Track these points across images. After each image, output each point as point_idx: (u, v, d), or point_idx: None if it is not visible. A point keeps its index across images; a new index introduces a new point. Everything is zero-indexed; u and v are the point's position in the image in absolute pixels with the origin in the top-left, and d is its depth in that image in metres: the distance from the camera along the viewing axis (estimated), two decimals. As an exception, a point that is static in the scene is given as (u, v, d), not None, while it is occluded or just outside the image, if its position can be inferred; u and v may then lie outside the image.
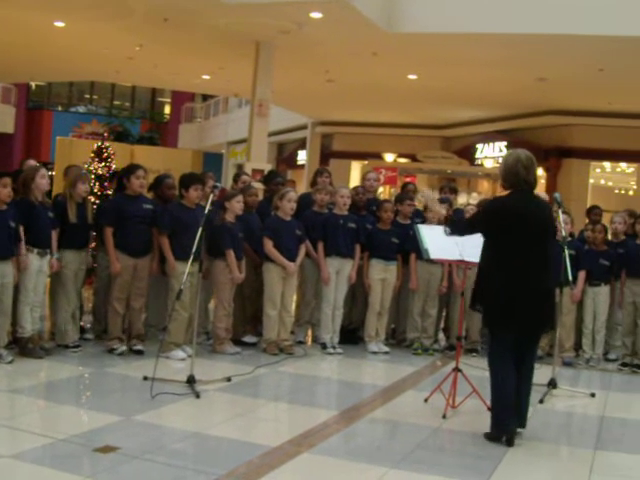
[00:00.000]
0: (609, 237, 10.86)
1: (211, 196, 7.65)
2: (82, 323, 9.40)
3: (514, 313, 6.35)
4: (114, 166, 14.11)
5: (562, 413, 7.99)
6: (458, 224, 6.96)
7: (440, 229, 7.17)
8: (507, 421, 6.34)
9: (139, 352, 8.73)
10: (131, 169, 9.01)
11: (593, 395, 8.42)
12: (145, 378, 7.37)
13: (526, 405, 6.56)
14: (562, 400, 8.23)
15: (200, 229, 7.38)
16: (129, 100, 44.82)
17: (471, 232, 6.87)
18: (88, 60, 19.62)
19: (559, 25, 13.44)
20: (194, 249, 7.35)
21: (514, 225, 6.40)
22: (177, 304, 8.25)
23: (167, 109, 45.08)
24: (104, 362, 8.40)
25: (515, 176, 6.52)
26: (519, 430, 6.51)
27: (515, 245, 6.40)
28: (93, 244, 9.57)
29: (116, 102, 44.35)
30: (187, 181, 9.00)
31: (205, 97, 39.36)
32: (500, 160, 7.24)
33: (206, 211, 7.48)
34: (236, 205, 9.25)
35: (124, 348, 8.74)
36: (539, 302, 6.42)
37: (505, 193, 6.69)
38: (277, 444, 5.94)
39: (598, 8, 13.21)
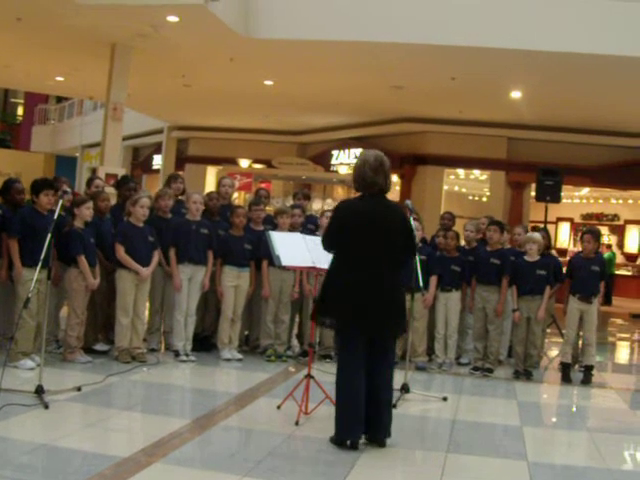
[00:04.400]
0: (462, 243, 11.09)
1: (60, 202, 7.49)
2: None
3: (358, 314, 6.40)
4: (-39, 169, 13.69)
5: (415, 417, 8.11)
6: (323, 243, 6.93)
7: (292, 235, 7.17)
8: (354, 425, 6.42)
9: (-14, 362, 8.47)
10: (-22, 172, 8.73)
11: (445, 399, 8.60)
12: (-9, 389, 7.17)
13: (389, 414, 6.64)
14: (415, 404, 8.37)
15: (49, 235, 7.21)
16: (-20, 101, 43.65)
17: (330, 244, 6.78)
18: (-64, 58, 19.00)
19: (413, 35, 13.73)
20: (43, 255, 7.17)
21: (361, 227, 6.47)
22: (24, 312, 8.01)
23: (20, 110, 44.05)
24: (-52, 372, 8.12)
25: (363, 179, 6.59)
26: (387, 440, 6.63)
27: (362, 247, 6.45)
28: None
29: (-34, 102, 43.12)
30: (37, 187, 8.74)
31: (60, 99, 38.53)
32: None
33: (55, 217, 7.32)
34: (85, 212, 9.04)
35: (-29, 358, 8.46)
36: (386, 304, 6.48)
37: (355, 196, 6.78)
38: (129, 454, 5.85)
39: (451, 20, 13.57)
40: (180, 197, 10.67)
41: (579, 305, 10.23)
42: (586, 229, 10.77)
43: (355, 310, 6.42)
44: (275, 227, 10.16)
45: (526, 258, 10.36)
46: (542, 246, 10.50)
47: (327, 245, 6.82)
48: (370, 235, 6.47)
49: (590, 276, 10.28)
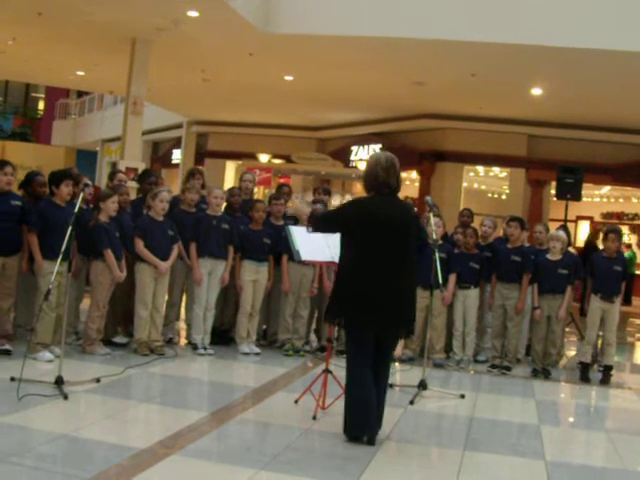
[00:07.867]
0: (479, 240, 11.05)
1: (81, 195, 7.52)
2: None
3: (371, 312, 6.39)
4: (-17, 162, 13.69)
5: (432, 414, 8.10)
6: (314, 219, 6.96)
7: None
8: (368, 420, 6.44)
9: (7, 352, 8.48)
10: (-2, 165, 8.74)
11: (463, 396, 8.58)
12: (12, 379, 7.19)
13: (382, 405, 6.64)
14: (432, 401, 8.35)
15: (70, 228, 7.23)
16: (2, 95, 43.73)
17: (326, 228, 6.89)
18: (-42, 53, 19.07)
19: (434, 30, 13.70)
20: (63, 248, 7.20)
21: (372, 226, 6.42)
22: (44, 304, 8.04)
23: (41, 105, 44.19)
24: (-30, 362, 8.16)
25: (375, 179, 6.55)
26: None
27: (373, 246, 6.42)
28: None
29: (-12, 97, 43.27)
30: (57, 177, 8.77)
31: (80, 93, 38.63)
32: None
33: (76, 210, 7.34)
34: (111, 206, 9.09)
35: (-8, 349, 8.49)
36: (396, 303, 6.46)
37: (367, 195, 6.75)
38: (147, 446, 5.87)
39: (470, 15, 13.53)
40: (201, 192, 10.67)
41: (601, 304, 10.16)
42: (609, 228, 10.65)
43: (367, 308, 6.41)
44: (296, 222, 10.13)
45: (548, 256, 10.32)
46: (565, 245, 10.46)
47: (319, 225, 6.89)
48: (382, 234, 6.44)
49: (613, 276, 10.20)
